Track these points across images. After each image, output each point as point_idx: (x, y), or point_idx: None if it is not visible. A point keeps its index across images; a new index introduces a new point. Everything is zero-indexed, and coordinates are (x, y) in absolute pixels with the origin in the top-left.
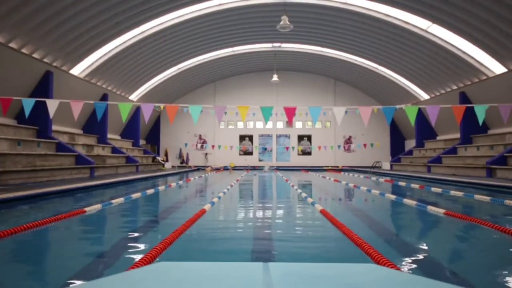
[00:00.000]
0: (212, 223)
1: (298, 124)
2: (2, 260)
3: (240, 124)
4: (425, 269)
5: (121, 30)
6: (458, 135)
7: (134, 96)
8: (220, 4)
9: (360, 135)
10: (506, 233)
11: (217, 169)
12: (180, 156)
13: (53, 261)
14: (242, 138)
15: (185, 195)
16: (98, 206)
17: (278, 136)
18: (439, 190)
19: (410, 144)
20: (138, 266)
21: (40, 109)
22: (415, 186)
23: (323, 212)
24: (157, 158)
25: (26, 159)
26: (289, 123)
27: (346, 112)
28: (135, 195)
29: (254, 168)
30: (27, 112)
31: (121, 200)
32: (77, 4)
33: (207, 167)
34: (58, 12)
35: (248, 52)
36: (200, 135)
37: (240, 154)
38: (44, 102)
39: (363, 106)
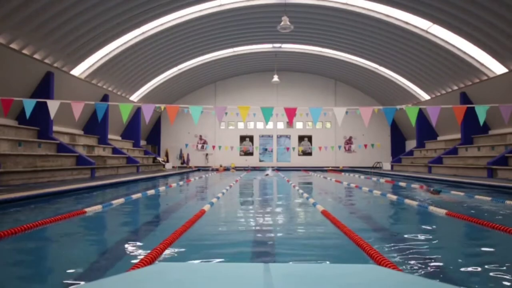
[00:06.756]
0: (212, 223)
1: (298, 125)
2: (3, 260)
3: (241, 125)
4: (425, 269)
5: (122, 31)
6: (458, 136)
7: (135, 97)
8: (221, 5)
9: (361, 136)
10: (507, 232)
11: (216, 170)
12: (181, 156)
13: (53, 262)
14: (242, 138)
15: (186, 195)
16: (98, 207)
17: (279, 137)
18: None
19: (410, 144)
20: (138, 267)
21: (41, 110)
22: (415, 186)
23: (324, 213)
24: (158, 158)
25: (27, 159)
26: (290, 123)
27: (346, 112)
28: (136, 196)
29: (254, 168)
30: (28, 112)
31: (121, 200)
32: (78, 5)
33: (208, 167)
34: (59, 13)
35: (249, 52)
36: (200, 136)
37: (240, 155)
38: (45, 103)
39: (364, 106)
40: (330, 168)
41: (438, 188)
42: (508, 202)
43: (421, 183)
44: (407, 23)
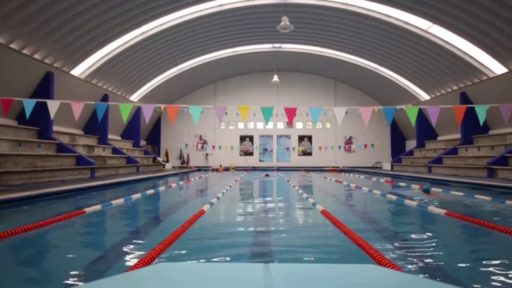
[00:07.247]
0: (212, 223)
1: (298, 125)
2: (3, 261)
3: (241, 125)
4: (425, 269)
5: (122, 31)
6: (458, 136)
7: (135, 97)
8: (221, 5)
9: (361, 136)
10: (507, 233)
11: (216, 170)
12: (181, 156)
13: (52, 262)
14: (242, 138)
15: (186, 195)
16: (98, 207)
17: (279, 137)
18: (439, 190)
19: (410, 144)
20: (138, 267)
21: (41, 110)
22: (415, 186)
23: (324, 212)
24: (158, 158)
25: (27, 159)
26: (290, 123)
27: (346, 112)
28: (135, 196)
29: (255, 168)
30: (28, 113)
31: (121, 200)
32: (78, 5)
33: (208, 167)
34: (59, 13)
35: (249, 52)
36: (200, 136)
37: (240, 155)
38: (45, 103)
39: (364, 106)
40: (330, 168)
41: (426, 187)
42: (508, 202)
43: (421, 183)
44: (407, 23)
